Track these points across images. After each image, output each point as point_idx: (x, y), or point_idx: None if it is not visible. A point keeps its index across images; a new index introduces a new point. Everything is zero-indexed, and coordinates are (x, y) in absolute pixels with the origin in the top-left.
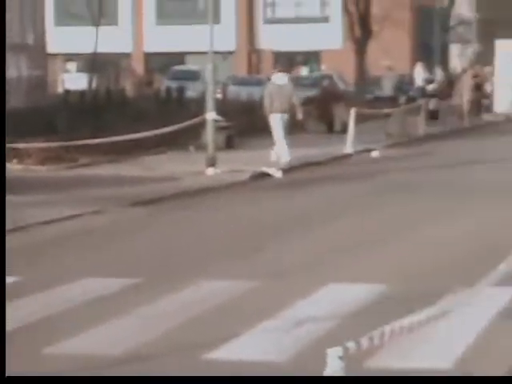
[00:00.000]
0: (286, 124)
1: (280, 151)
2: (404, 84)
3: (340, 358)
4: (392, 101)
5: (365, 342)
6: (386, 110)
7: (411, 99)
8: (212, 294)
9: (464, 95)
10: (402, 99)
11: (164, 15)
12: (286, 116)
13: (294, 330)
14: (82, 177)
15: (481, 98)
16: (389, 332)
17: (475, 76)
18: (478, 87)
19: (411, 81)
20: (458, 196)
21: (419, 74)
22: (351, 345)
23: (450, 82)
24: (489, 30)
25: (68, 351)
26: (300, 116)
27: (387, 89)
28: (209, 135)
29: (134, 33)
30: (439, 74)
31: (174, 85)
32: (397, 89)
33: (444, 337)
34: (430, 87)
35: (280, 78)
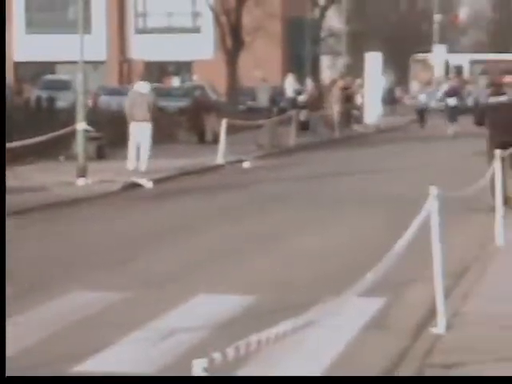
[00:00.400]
0: (149, 133)
1: (133, 159)
2: (276, 95)
3: (205, 369)
4: (264, 112)
5: (230, 352)
6: (258, 122)
7: (282, 110)
8: (83, 304)
9: (334, 106)
10: (274, 110)
11: (34, 24)
12: (147, 124)
13: (164, 341)
14: None
15: (351, 110)
16: (255, 342)
17: (346, 88)
18: (349, 99)
19: (282, 92)
20: (327, 206)
21: (290, 85)
22: (217, 355)
23: (321, 94)
24: (359, 43)
25: None
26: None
27: (262, 100)
28: (79, 145)
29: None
30: (310, 85)
31: (44, 94)
32: (270, 100)
33: (313, 346)
34: (301, 98)
35: (142, 87)
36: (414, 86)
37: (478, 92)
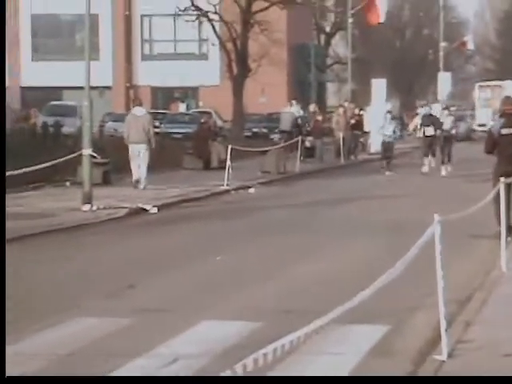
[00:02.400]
0: (147, 154)
1: (136, 177)
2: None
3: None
4: (269, 139)
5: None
6: (264, 148)
7: (289, 136)
8: (85, 331)
9: (341, 133)
10: (276, 137)
11: (40, 51)
12: (143, 146)
13: (165, 369)
14: None
15: (358, 137)
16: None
17: (355, 114)
18: (357, 125)
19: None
20: (330, 233)
21: (296, 112)
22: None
23: (326, 120)
24: (364, 70)
25: None
26: (153, 145)
27: (285, 125)
28: (85, 171)
29: (11, 68)
30: (314, 111)
31: (50, 120)
32: (293, 125)
33: (318, 373)
34: (306, 126)
35: (138, 110)
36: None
37: (493, 124)
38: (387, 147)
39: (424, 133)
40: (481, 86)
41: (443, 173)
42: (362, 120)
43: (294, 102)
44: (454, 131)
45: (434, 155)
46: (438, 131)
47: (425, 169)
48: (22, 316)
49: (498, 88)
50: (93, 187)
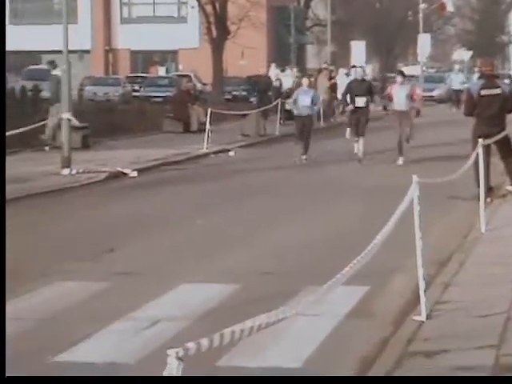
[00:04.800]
0: None
1: None
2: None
3: (179, 358)
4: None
5: (204, 342)
6: (243, 111)
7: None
8: (64, 294)
9: (320, 96)
10: (255, 100)
11: (18, 15)
12: None
13: (145, 332)
14: None
15: (335, 99)
16: (230, 333)
17: (331, 77)
18: (333, 88)
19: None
20: (310, 195)
21: (274, 75)
22: (191, 345)
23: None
24: (344, 32)
25: None
26: None
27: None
28: (64, 135)
29: None
30: (294, 74)
31: (29, 85)
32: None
33: (297, 335)
34: (286, 88)
35: None
36: None
37: (471, 85)
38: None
39: (353, 104)
40: None
41: (399, 162)
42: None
43: (273, 64)
44: (407, 106)
45: (362, 135)
46: (372, 104)
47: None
48: (7, 279)
49: None
50: (71, 151)
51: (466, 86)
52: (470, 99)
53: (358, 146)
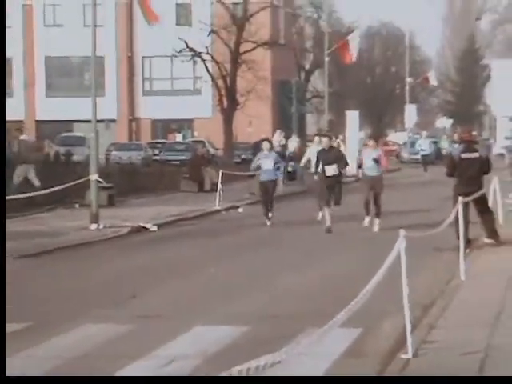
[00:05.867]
0: None
1: None
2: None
3: None
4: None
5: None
6: (250, 172)
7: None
8: (92, 336)
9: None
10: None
11: (53, 88)
12: None
13: (163, 369)
14: None
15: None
16: (237, 372)
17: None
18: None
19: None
20: (310, 248)
21: (277, 141)
22: None
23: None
24: (340, 102)
25: None
26: None
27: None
28: (92, 194)
29: (27, 103)
30: (296, 140)
31: (62, 150)
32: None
33: (298, 371)
34: (289, 152)
35: None
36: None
37: (452, 150)
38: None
39: (323, 172)
40: None
41: (375, 228)
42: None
43: (278, 131)
44: (378, 171)
45: (337, 203)
46: (345, 170)
47: (325, 220)
48: (33, 324)
49: None
50: (99, 208)
51: (427, 152)
52: (451, 162)
53: (325, 215)
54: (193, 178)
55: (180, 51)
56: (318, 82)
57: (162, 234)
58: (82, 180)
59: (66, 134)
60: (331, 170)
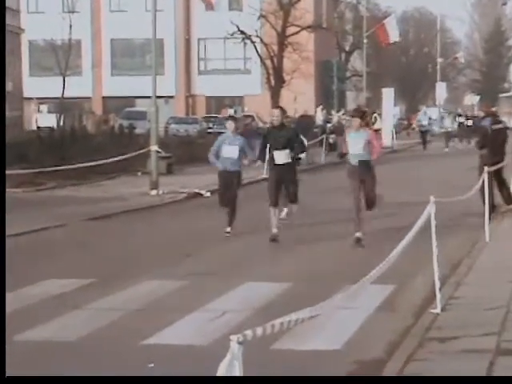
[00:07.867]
0: None
1: None
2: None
3: (239, 343)
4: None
5: (259, 330)
6: None
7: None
8: (151, 291)
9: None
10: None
11: (118, 68)
12: None
13: (215, 321)
14: (49, 197)
15: None
16: (278, 324)
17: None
18: (367, 125)
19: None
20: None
21: (320, 115)
22: (249, 332)
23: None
24: (376, 81)
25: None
26: None
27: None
28: (153, 163)
29: (94, 81)
30: (336, 115)
31: (126, 123)
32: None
33: (337, 324)
34: (329, 125)
35: None
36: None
37: (482, 123)
38: None
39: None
40: None
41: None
42: (369, 121)
43: (320, 107)
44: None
45: (292, 201)
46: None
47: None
48: (100, 281)
49: None
50: (158, 176)
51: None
52: (484, 134)
53: (274, 218)
54: None
55: (232, 34)
56: (357, 62)
57: (215, 199)
58: (144, 150)
59: (129, 109)
60: (281, 158)
